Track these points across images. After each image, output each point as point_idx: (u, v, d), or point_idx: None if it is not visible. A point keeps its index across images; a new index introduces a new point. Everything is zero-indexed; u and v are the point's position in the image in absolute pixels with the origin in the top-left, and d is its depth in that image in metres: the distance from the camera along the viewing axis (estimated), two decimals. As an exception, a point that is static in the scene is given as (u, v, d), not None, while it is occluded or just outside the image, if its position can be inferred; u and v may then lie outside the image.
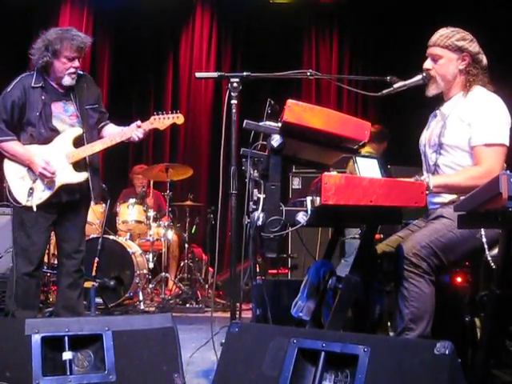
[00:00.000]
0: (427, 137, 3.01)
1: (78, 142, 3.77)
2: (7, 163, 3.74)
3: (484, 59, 2.91)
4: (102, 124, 3.98)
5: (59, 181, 3.70)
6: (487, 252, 2.50)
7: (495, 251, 2.54)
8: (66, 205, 3.78)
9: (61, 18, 8.11)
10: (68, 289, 3.82)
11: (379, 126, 5.84)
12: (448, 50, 2.87)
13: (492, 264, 2.48)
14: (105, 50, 8.26)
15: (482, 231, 2.54)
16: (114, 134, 3.86)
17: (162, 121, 3.88)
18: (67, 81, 3.73)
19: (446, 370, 1.90)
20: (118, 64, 8.24)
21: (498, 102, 2.82)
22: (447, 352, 1.91)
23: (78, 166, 3.77)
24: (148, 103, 8.42)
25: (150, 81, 8.40)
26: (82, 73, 3.90)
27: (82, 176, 3.76)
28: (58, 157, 3.71)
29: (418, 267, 2.59)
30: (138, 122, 3.82)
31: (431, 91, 2.96)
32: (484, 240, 2.51)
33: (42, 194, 3.67)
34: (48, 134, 3.71)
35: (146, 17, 8.04)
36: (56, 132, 3.73)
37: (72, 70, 3.70)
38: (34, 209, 3.62)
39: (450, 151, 2.84)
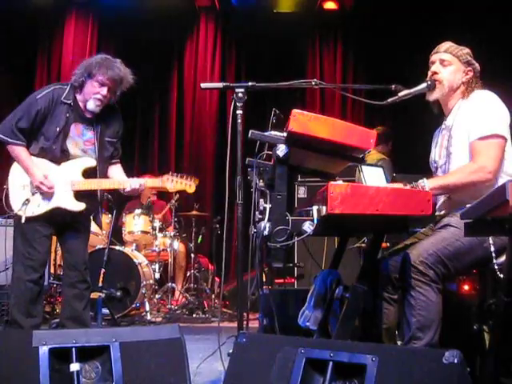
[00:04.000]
0: (437, 152, 3.02)
1: (89, 173, 3.77)
2: (15, 168, 3.75)
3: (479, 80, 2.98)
4: (113, 161, 3.97)
5: (55, 202, 3.71)
6: (494, 261, 2.49)
7: (503, 258, 2.53)
8: (60, 223, 3.78)
9: (66, 31, 8.17)
10: (73, 300, 3.81)
11: (382, 127, 5.95)
12: (458, 60, 2.94)
13: (498, 273, 2.47)
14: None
15: (490, 240, 2.54)
16: (125, 180, 3.84)
17: (173, 184, 3.88)
18: (91, 105, 3.72)
19: (455, 379, 1.89)
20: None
21: (493, 96, 2.84)
22: (456, 361, 1.90)
23: (80, 195, 3.76)
24: (153, 114, 8.46)
25: (154, 92, 8.44)
26: (112, 104, 3.91)
27: (79, 206, 3.75)
28: (64, 180, 3.72)
29: (425, 275, 2.57)
30: (143, 183, 3.81)
31: (434, 95, 2.97)
32: (492, 249, 2.51)
33: (35, 209, 3.67)
34: (57, 152, 3.70)
35: (150, 28, 8.08)
36: (66, 152, 3.73)
37: (98, 96, 3.70)
38: (23, 220, 3.59)
39: (459, 156, 2.83)
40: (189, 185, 3.92)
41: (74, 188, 3.73)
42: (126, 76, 3.79)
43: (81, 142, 3.77)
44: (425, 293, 2.57)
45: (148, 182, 3.87)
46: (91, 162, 3.78)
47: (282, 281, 5.95)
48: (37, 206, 3.68)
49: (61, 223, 3.79)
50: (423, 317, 2.56)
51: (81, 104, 3.77)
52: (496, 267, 2.50)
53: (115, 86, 3.76)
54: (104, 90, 3.71)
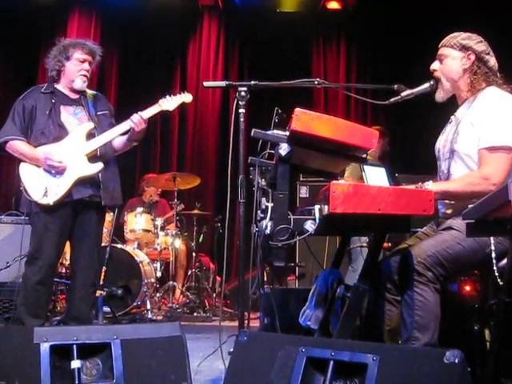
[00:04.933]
0: (442, 142, 2.95)
1: (91, 137, 3.81)
2: (22, 165, 3.76)
3: (492, 60, 2.84)
4: None
5: (74, 174, 3.70)
6: (495, 267, 2.48)
7: (504, 261, 2.51)
8: (78, 206, 3.76)
9: (69, 29, 8.18)
10: (79, 302, 3.81)
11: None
12: (453, 49, 2.84)
13: (499, 280, 2.45)
14: (112, 60, 8.30)
15: (492, 246, 2.52)
16: (126, 121, 3.88)
17: (170, 102, 4.01)
18: (78, 83, 3.86)
19: (456, 379, 1.89)
20: (125, 73, 8.28)
21: (509, 101, 2.72)
22: (457, 361, 1.90)
23: (93, 159, 3.78)
24: (155, 113, 8.44)
25: (157, 90, 8.42)
26: (95, 92, 4.06)
27: (96, 167, 3.76)
28: (72, 151, 3.73)
29: (423, 276, 2.55)
30: (144, 114, 3.91)
31: (438, 96, 2.92)
32: (493, 255, 2.49)
33: (57, 190, 3.66)
34: (57, 131, 3.75)
35: (153, 27, 8.09)
36: (63, 129, 3.77)
37: (83, 72, 3.86)
38: (51, 203, 3.62)
39: (463, 158, 2.76)
40: (184, 96, 4.07)
41: (85, 152, 3.75)
42: (98, 49, 4.00)
43: (75, 119, 3.84)
44: (422, 293, 2.54)
45: (148, 112, 3.96)
46: (89, 125, 3.83)
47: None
48: (56, 186, 3.67)
49: (83, 203, 3.76)
50: (420, 317, 2.53)
51: (64, 90, 3.90)
52: (496, 274, 2.48)
53: (93, 59, 3.95)
54: (86, 65, 3.89)
